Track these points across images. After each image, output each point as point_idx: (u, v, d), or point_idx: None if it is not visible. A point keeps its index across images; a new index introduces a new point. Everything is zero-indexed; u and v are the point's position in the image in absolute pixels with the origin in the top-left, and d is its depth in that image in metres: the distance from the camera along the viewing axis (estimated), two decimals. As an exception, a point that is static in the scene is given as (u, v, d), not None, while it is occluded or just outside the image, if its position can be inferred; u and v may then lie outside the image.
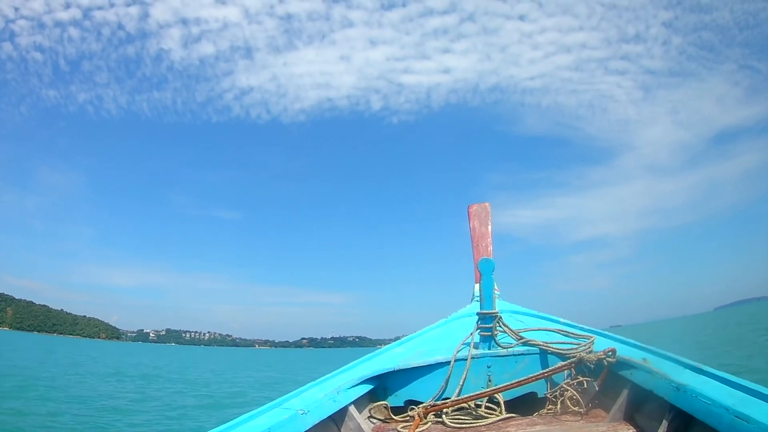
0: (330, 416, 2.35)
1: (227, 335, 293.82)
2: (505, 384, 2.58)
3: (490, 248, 3.92)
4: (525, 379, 2.55)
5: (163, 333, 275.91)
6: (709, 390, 1.76)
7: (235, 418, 1.91)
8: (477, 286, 3.73)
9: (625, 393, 2.29)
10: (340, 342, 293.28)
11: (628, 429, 2.12)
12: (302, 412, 2.12)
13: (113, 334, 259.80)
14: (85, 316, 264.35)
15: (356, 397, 2.60)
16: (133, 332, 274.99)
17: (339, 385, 2.57)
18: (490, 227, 4.00)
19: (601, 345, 2.65)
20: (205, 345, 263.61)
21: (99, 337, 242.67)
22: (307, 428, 2.09)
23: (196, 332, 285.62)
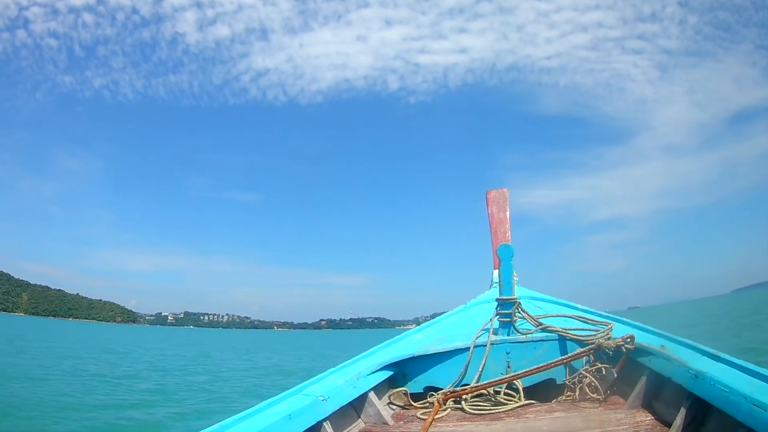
0: (350, 402, 2.40)
1: (246, 317, 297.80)
2: (524, 370, 2.61)
3: (509, 234, 3.91)
4: (544, 366, 2.56)
5: (182, 316, 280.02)
6: (727, 378, 1.76)
7: (255, 404, 1.96)
8: (496, 272, 3.73)
9: (643, 380, 2.29)
10: (359, 323, 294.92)
11: (647, 416, 2.13)
12: (322, 398, 2.17)
13: (129, 317, 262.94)
14: (101, 300, 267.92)
15: (376, 384, 2.65)
16: (151, 315, 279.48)
17: (359, 372, 2.62)
18: (508, 213, 3.98)
19: (620, 332, 2.65)
20: (223, 327, 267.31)
21: (115, 321, 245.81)
22: (328, 414, 2.15)
23: (215, 315, 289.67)
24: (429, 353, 2.93)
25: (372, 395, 2.56)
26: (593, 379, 2.51)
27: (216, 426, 1.69)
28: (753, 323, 21.05)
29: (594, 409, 2.36)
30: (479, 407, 2.54)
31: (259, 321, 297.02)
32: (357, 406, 2.52)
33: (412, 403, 2.78)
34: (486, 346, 2.84)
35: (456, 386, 2.76)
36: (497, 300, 3.03)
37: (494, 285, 3.86)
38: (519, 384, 2.66)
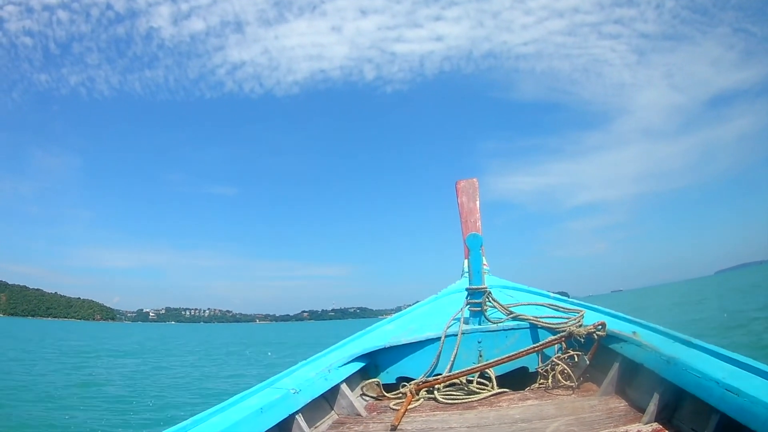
0: (322, 395, 2.37)
1: (227, 311, 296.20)
2: (495, 359, 2.60)
3: (479, 224, 3.91)
4: (515, 354, 2.56)
5: (163, 312, 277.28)
6: (699, 363, 1.76)
7: (227, 399, 1.93)
8: (466, 261, 3.72)
9: (615, 366, 2.29)
10: (341, 313, 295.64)
11: (620, 402, 2.13)
12: (294, 391, 2.14)
13: (108, 315, 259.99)
14: (79, 298, 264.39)
15: (348, 375, 2.62)
16: (132, 312, 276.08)
17: (330, 364, 2.59)
18: (478, 203, 3.98)
19: (591, 319, 2.65)
20: (205, 322, 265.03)
21: (94, 319, 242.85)
22: (300, 407, 2.12)
23: (196, 309, 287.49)
24: (400, 344, 2.91)
25: (344, 387, 2.54)
26: (566, 367, 2.51)
27: (188, 421, 1.66)
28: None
29: (567, 397, 2.36)
30: (452, 396, 2.53)
31: (241, 314, 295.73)
32: (329, 398, 2.49)
33: (385, 394, 2.76)
34: (457, 335, 2.83)
35: (428, 376, 2.75)
36: (467, 290, 3.02)
37: (465, 275, 3.85)
38: (491, 373, 2.65)
